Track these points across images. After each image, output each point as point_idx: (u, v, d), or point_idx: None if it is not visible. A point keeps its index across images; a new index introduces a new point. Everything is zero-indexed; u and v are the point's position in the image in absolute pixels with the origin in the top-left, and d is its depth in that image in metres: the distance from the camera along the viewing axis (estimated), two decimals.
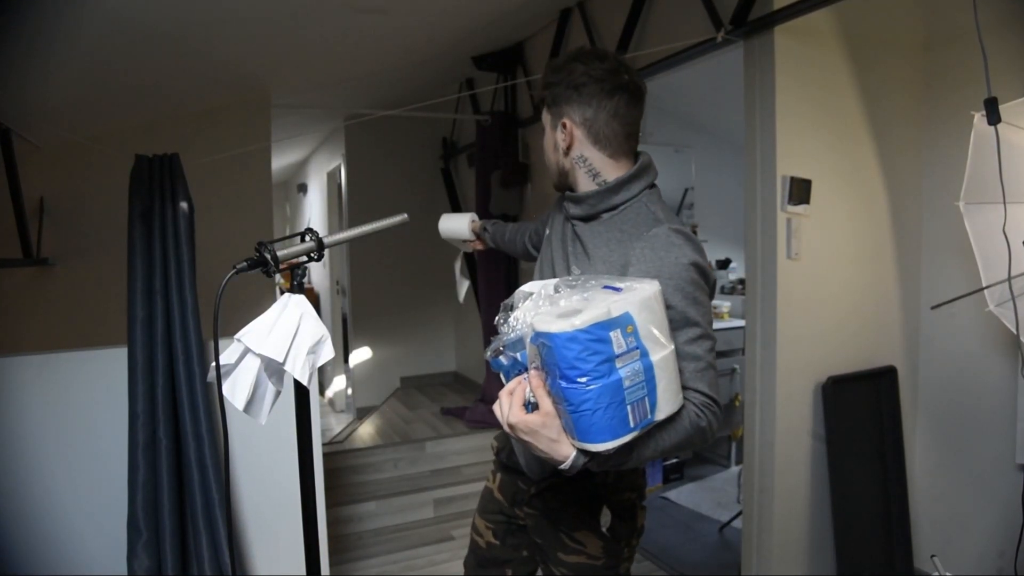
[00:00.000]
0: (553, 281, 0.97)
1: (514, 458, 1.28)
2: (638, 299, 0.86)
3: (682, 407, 0.93)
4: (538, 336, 0.83)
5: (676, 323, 0.97)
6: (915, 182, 2.46)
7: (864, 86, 2.29)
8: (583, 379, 0.81)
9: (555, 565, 1.26)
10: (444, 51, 3.50)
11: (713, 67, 2.48)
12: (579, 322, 0.80)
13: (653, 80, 2.67)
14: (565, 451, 0.88)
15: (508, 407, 0.89)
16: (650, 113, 3.95)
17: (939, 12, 2.36)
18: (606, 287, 0.90)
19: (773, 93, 2.11)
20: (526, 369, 0.90)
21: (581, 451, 0.88)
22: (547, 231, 1.34)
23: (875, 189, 2.37)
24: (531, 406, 0.89)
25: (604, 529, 1.25)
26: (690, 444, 0.98)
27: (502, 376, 0.97)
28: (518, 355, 0.91)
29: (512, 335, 0.90)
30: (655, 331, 0.88)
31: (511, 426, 0.89)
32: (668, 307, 0.95)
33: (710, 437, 1.00)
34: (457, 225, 1.78)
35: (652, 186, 1.17)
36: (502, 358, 0.93)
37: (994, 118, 1.58)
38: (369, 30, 2.76)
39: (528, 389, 0.89)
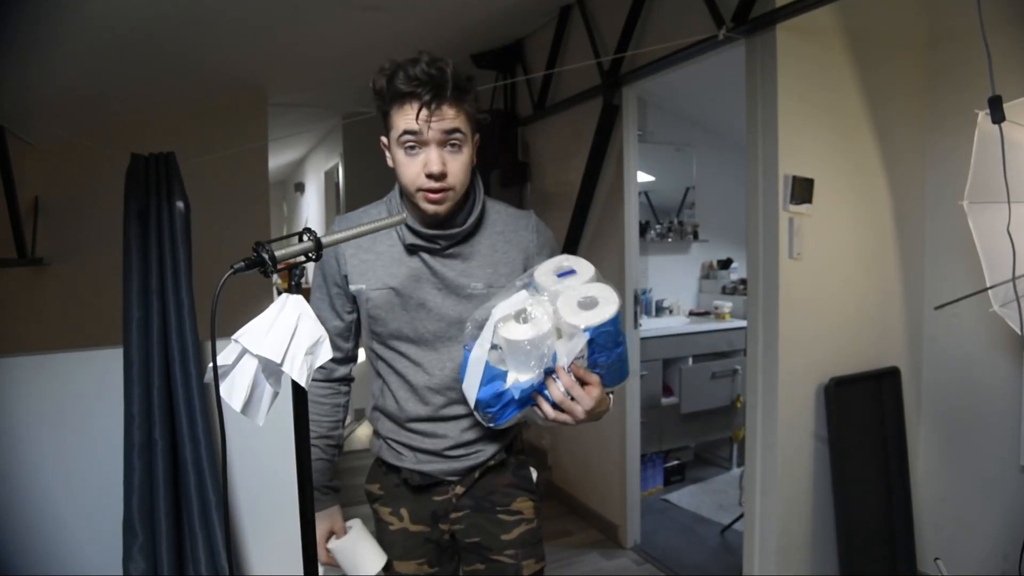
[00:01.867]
0: (519, 296, 1.06)
1: (428, 477, 1.23)
2: (594, 270, 1.10)
3: None
4: (598, 327, 0.99)
5: None
6: (918, 181, 2.45)
7: (867, 84, 2.28)
8: (624, 336, 1.05)
9: (499, 552, 1.24)
10: (443, 48, 3.46)
11: (714, 65, 2.46)
12: (617, 296, 1.03)
13: (654, 78, 2.66)
14: (609, 399, 1.10)
15: (575, 403, 1.02)
16: (651, 111, 3.94)
17: (942, 10, 2.35)
18: (561, 275, 1.09)
19: (775, 91, 2.09)
20: (547, 374, 1.02)
21: (612, 392, 1.10)
22: (350, 287, 1.20)
23: (878, 188, 2.36)
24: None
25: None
26: None
27: (481, 414, 1.08)
28: (550, 362, 1.02)
29: (543, 349, 1.01)
30: None
31: (590, 410, 1.02)
32: None
33: None
34: (357, 550, 1.25)
35: None
36: (533, 375, 1.03)
37: (998, 116, 1.56)
38: (367, 28, 2.75)
39: (573, 379, 1.02)
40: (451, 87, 1.04)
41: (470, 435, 1.22)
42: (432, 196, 1.09)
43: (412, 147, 1.08)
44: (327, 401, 1.31)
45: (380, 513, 1.31)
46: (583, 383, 1.02)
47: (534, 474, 1.32)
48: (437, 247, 1.16)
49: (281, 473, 2.02)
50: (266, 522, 2.06)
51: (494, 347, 1.04)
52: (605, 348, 1.02)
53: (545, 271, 1.10)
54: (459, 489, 1.24)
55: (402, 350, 1.21)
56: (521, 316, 1.04)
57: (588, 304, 1.02)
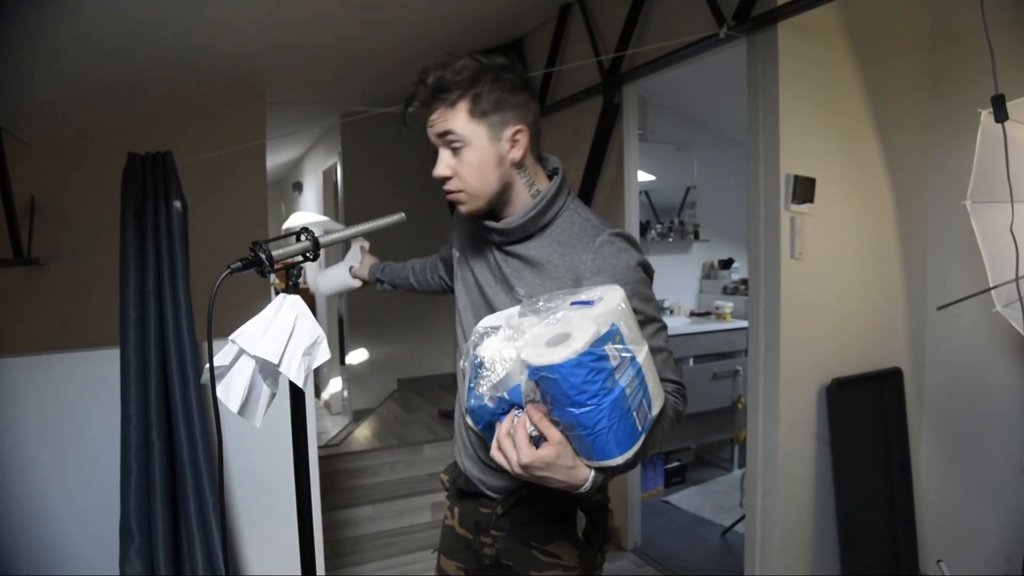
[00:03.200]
0: (512, 310, 0.96)
1: (471, 484, 1.24)
2: (615, 307, 0.86)
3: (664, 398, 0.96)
4: (538, 370, 0.80)
5: (640, 323, 0.98)
6: (921, 180, 2.44)
7: (869, 83, 2.27)
8: (594, 400, 0.79)
9: None
10: (442, 47, 3.46)
11: (715, 63, 2.45)
12: (580, 346, 0.78)
13: (654, 77, 2.65)
14: (583, 474, 0.87)
15: (514, 449, 0.85)
16: (651, 110, 3.93)
17: (945, 8, 2.34)
18: (575, 303, 0.89)
19: (777, 90, 2.08)
20: (515, 406, 0.86)
21: (598, 469, 0.86)
22: (456, 254, 1.28)
23: (880, 187, 2.35)
24: (536, 440, 0.86)
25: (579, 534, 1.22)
26: (672, 429, 1.04)
27: (471, 421, 0.94)
28: (505, 394, 0.86)
29: (494, 377, 0.86)
30: (634, 333, 0.88)
31: (525, 467, 0.84)
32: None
33: (682, 419, 1.09)
34: (337, 277, 1.62)
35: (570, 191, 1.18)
36: (488, 402, 0.88)
37: (1001, 115, 1.55)
38: (366, 26, 2.73)
39: (528, 424, 0.85)
40: (431, 92, 1.04)
41: None
42: (448, 196, 1.12)
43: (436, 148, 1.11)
44: (417, 267, 1.57)
45: (445, 503, 1.36)
46: (542, 435, 0.85)
47: (582, 521, 1.20)
48: (494, 241, 1.16)
49: (279, 476, 2.01)
50: (264, 525, 2.05)
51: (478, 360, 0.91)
52: (555, 401, 0.81)
53: (568, 295, 0.94)
54: (499, 508, 1.23)
55: (466, 330, 1.23)
56: (498, 334, 0.91)
57: (555, 341, 0.82)
